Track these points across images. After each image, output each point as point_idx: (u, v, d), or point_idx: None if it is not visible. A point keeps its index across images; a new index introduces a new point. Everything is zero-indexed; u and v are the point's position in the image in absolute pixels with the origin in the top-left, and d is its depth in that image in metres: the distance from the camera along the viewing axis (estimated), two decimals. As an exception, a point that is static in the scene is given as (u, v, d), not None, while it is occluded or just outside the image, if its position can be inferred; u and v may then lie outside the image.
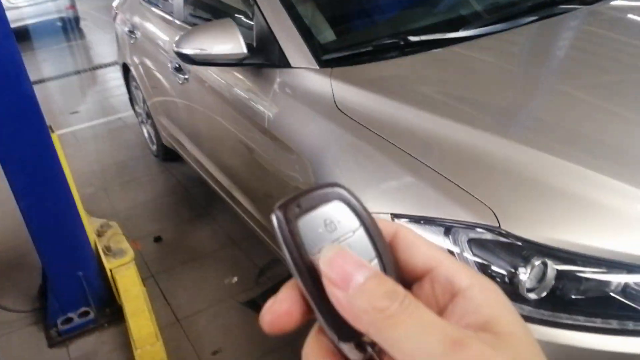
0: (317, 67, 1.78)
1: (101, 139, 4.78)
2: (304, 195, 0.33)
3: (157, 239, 3.07)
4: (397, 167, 1.41)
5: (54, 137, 2.36)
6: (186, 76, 2.62)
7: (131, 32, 3.54)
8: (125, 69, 4.04)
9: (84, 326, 2.42)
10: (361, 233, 0.33)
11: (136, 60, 3.59)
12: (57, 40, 9.56)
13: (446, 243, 1.27)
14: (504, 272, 1.24)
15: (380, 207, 1.38)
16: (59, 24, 10.42)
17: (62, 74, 7.23)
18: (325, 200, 0.33)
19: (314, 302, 0.32)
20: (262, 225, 2.34)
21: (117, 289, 2.40)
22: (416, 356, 0.26)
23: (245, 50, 1.88)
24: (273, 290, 2.52)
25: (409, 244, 0.33)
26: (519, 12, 1.99)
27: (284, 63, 1.88)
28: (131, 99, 4.33)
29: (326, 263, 0.30)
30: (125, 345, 2.30)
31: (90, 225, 2.59)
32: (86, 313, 2.45)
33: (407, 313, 0.28)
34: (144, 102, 3.81)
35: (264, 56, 1.95)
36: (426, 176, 1.36)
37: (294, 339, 2.45)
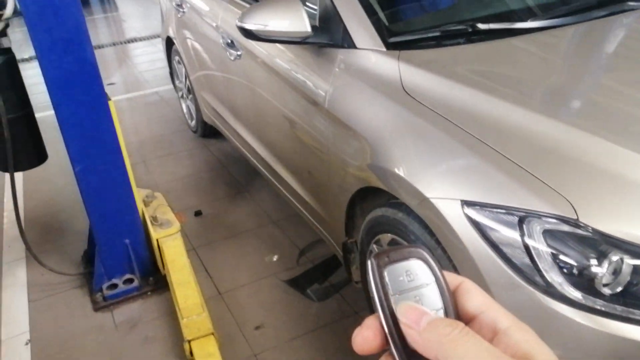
0: (384, 49, 1.78)
1: (138, 111, 4.83)
2: (394, 251, 0.42)
3: (198, 213, 3.10)
4: (468, 153, 1.41)
5: (111, 104, 2.39)
6: (239, 52, 2.63)
7: (179, 5, 3.55)
8: (169, 43, 4.06)
9: (128, 293, 2.47)
10: (433, 287, 0.41)
11: (182, 34, 3.61)
12: (90, 10, 9.64)
13: (519, 233, 1.27)
14: (575, 264, 1.24)
15: (450, 193, 1.39)
16: (93, -5, 10.50)
17: (96, 45, 7.29)
18: (409, 256, 0.42)
19: (389, 334, 0.40)
20: (306, 203, 2.36)
21: (162, 259, 2.44)
22: None
23: (309, 29, 1.88)
24: (314, 270, 2.54)
25: (468, 293, 0.42)
26: (589, 6, 1.96)
27: (349, 43, 1.87)
28: (172, 74, 4.36)
29: (402, 313, 0.40)
30: (169, 314, 2.34)
31: (137, 194, 2.63)
32: (130, 280, 2.50)
33: (466, 337, 0.36)
34: (187, 77, 3.83)
35: (327, 36, 1.95)
36: (499, 164, 1.35)
37: (333, 321, 2.51)
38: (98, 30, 8.20)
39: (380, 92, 1.71)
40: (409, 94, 1.62)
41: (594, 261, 1.21)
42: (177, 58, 3.98)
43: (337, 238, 2.15)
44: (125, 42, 7.43)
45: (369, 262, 0.42)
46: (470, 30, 1.80)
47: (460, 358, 0.35)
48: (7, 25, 2.16)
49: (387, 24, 1.88)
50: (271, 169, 2.69)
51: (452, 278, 0.43)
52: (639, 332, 1.18)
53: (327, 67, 1.96)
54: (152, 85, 5.51)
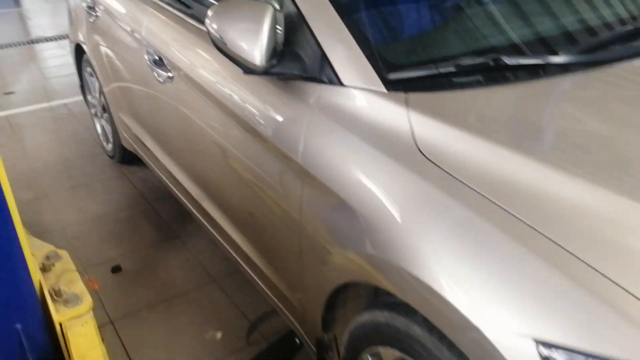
0: (384, 90, 1.29)
1: (42, 128, 4.07)
2: None
3: (116, 269, 2.48)
4: (533, 258, 0.95)
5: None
6: (170, 74, 2.06)
7: (91, 7, 2.90)
8: (79, 50, 3.38)
9: (20, 397, 1.83)
10: None
11: (95, 42, 2.96)
12: (-10, 5, 8.51)
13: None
14: None
15: (514, 324, 0.92)
16: (-7, -14, 9.33)
17: (-5, 45, 6.33)
18: None
19: None
20: (259, 270, 1.84)
21: (68, 350, 1.83)
22: None
23: (260, 61, 1.37)
24: (270, 352, 2.00)
25: None
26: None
27: (330, 78, 1.37)
28: (83, 87, 3.66)
29: None
30: None
31: (32, 255, 1.99)
32: (23, 379, 1.85)
33: None
34: (101, 92, 3.17)
35: (298, 64, 1.44)
36: (580, 276, 0.90)
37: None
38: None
39: (381, 150, 1.22)
40: (428, 158, 1.14)
41: None
42: (89, 69, 3.31)
43: (308, 328, 1.64)
44: (29, 43, 6.51)
45: None
46: (503, 64, 1.34)
47: None
48: None
49: (384, 53, 1.38)
50: (207, 215, 2.14)
51: None
52: None
53: (297, 106, 1.45)
54: (60, 95, 4.73)
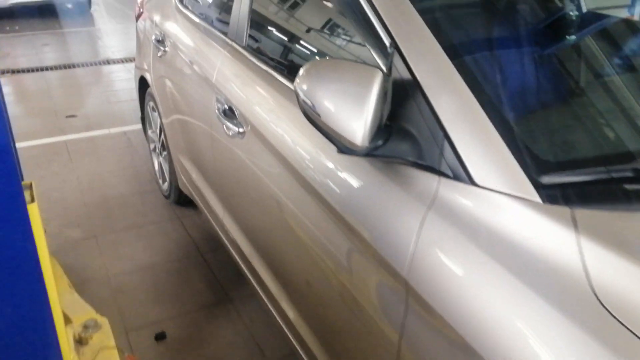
0: (538, 200, 0.94)
1: (99, 158, 3.91)
2: None
3: (160, 337, 2.20)
4: None
5: (33, 208, 1.50)
6: (242, 130, 1.78)
7: (160, 41, 2.70)
8: (143, 82, 3.19)
9: None
10: None
11: (160, 78, 2.75)
12: (63, 23, 8.70)
13: None
14: None
15: None
16: (70, 5, 9.59)
17: (63, 64, 6.36)
18: None
19: None
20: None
21: None
22: None
23: (362, 140, 1.06)
24: None
25: None
26: None
27: (456, 171, 1.04)
28: (143, 119, 3.47)
29: None
30: None
31: (66, 326, 1.74)
32: None
33: None
34: (162, 130, 2.96)
35: (409, 146, 1.12)
36: None
37: None
38: (69, 47, 7.27)
39: (534, 289, 0.87)
40: (615, 316, 0.78)
41: None
42: (152, 104, 3.11)
43: None
44: (97, 64, 6.51)
45: None
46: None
47: None
48: None
49: (536, 145, 1.04)
50: (272, 299, 1.83)
51: None
52: None
53: (403, 199, 1.13)
54: (120, 122, 4.60)
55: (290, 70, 1.66)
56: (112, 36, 8.10)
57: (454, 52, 1.15)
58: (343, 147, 1.13)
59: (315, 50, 1.64)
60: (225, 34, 2.07)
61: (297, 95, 1.18)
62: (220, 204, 2.21)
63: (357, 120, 1.07)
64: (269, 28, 1.91)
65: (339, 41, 1.56)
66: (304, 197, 1.45)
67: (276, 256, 1.77)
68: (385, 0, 1.28)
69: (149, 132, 3.37)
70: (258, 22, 1.94)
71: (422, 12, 1.23)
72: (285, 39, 1.81)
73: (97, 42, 7.73)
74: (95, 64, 6.47)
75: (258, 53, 1.85)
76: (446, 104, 1.08)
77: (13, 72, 6.07)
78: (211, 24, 2.24)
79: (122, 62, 6.55)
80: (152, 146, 3.41)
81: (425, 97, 1.11)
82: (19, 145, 4.06)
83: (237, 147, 1.84)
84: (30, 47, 7.15)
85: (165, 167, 3.12)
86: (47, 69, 6.18)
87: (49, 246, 2.68)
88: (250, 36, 1.92)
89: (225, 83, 1.92)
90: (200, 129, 2.23)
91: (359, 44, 1.41)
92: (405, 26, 1.22)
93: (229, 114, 1.89)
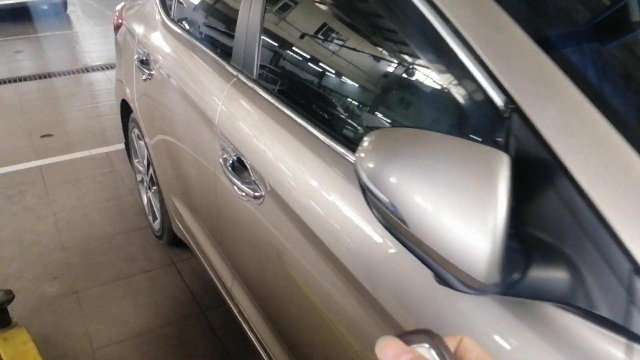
0: None
1: (79, 187, 3.44)
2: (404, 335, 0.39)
3: None
4: None
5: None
6: (258, 193, 1.34)
7: (143, 62, 2.24)
8: (125, 105, 2.74)
9: None
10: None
11: (147, 107, 2.30)
12: (38, 26, 8.14)
13: None
14: None
15: None
16: (45, 7, 9.03)
17: (38, 74, 5.85)
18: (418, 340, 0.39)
19: None
20: None
21: None
22: None
23: (490, 274, 0.64)
24: None
25: (466, 349, 0.43)
26: None
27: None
28: (128, 145, 3.02)
29: (379, 348, 0.40)
30: None
31: None
32: None
33: None
34: (150, 164, 2.51)
35: (563, 283, 0.70)
36: None
37: None
38: (45, 53, 6.74)
39: None
40: None
41: None
42: (136, 131, 2.66)
43: None
44: (76, 72, 6.00)
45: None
46: None
47: None
48: None
49: None
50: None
51: (452, 341, 0.43)
52: None
53: None
54: (102, 141, 4.13)
55: (327, 120, 1.23)
56: (91, 40, 7.56)
57: (620, 118, 0.73)
58: (459, 284, 0.71)
59: (369, 98, 1.21)
60: (227, 59, 1.63)
61: (360, 176, 0.75)
62: (227, 270, 1.78)
63: (475, 237, 0.64)
64: (291, 54, 1.46)
65: (413, 91, 1.11)
66: (356, 304, 1.03)
67: (297, 339, 1.35)
68: (492, 35, 0.85)
69: (135, 162, 2.92)
70: (274, 46, 1.50)
71: (560, 58, 0.80)
72: (315, 71, 1.37)
73: (75, 46, 7.20)
74: (74, 73, 5.96)
75: (275, 89, 1.41)
76: (628, 208, 0.66)
77: (-18, 84, 5.55)
78: (209, 45, 1.79)
79: (103, 69, 6.05)
80: (139, 177, 2.96)
81: (582, 193, 0.69)
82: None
83: (252, 214, 1.41)
84: (1, 55, 6.61)
85: (156, 205, 2.68)
86: (20, 79, 5.67)
87: (20, 308, 2.21)
88: (263, 66, 1.48)
89: (232, 127, 1.48)
90: (200, 179, 1.79)
91: (442, 96, 0.98)
92: (534, 77, 0.79)
93: (239, 167, 1.46)
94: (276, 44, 1.49)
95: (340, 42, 1.27)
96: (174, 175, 2.13)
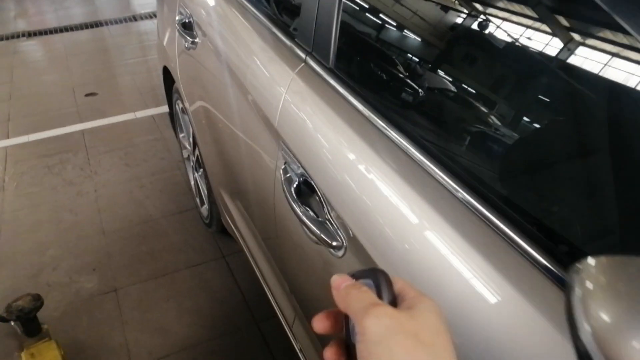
0: None
1: (121, 157, 3.13)
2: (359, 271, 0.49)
3: None
4: None
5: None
6: (335, 242, 0.93)
7: (186, 26, 1.82)
8: (168, 72, 2.35)
9: None
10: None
11: (191, 81, 1.90)
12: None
13: None
14: None
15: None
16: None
17: (87, 22, 5.53)
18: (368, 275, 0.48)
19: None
20: None
21: None
22: (355, 310, 0.45)
23: None
24: None
25: (402, 286, 0.49)
26: None
27: None
28: (172, 116, 2.65)
29: (333, 280, 0.49)
30: None
31: None
32: None
33: (355, 291, 0.47)
34: (195, 144, 2.14)
35: None
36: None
37: None
38: (86, 2, 6.41)
39: None
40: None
41: None
42: (180, 104, 2.27)
43: None
44: (124, 21, 5.65)
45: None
46: None
47: (351, 305, 0.46)
48: None
49: None
50: None
51: (396, 281, 0.50)
52: None
53: None
54: (149, 101, 3.80)
55: (448, 145, 0.78)
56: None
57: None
58: None
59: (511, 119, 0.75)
60: (291, 36, 1.19)
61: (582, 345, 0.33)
62: (287, 301, 1.41)
63: None
64: (393, 34, 1.00)
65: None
66: None
67: None
68: None
69: (180, 136, 2.55)
70: (365, 19, 1.04)
71: None
72: (430, 65, 0.91)
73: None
74: (122, 21, 5.61)
75: (359, 86, 0.97)
76: None
77: (29, 34, 5.29)
78: (268, 15, 1.35)
79: (151, 17, 5.68)
80: (185, 154, 2.61)
81: None
82: (24, 139, 3.33)
83: (328, 263, 1.00)
84: (50, 2, 6.33)
85: (204, 190, 2.32)
86: (66, 29, 5.37)
87: (54, 307, 1.94)
88: (342, 50, 1.03)
89: (297, 136, 1.06)
90: (255, 189, 1.39)
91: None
92: None
93: (306, 191, 1.04)
94: (364, 25, 1.04)
95: (471, 24, 0.81)
96: (223, 171, 1.74)
